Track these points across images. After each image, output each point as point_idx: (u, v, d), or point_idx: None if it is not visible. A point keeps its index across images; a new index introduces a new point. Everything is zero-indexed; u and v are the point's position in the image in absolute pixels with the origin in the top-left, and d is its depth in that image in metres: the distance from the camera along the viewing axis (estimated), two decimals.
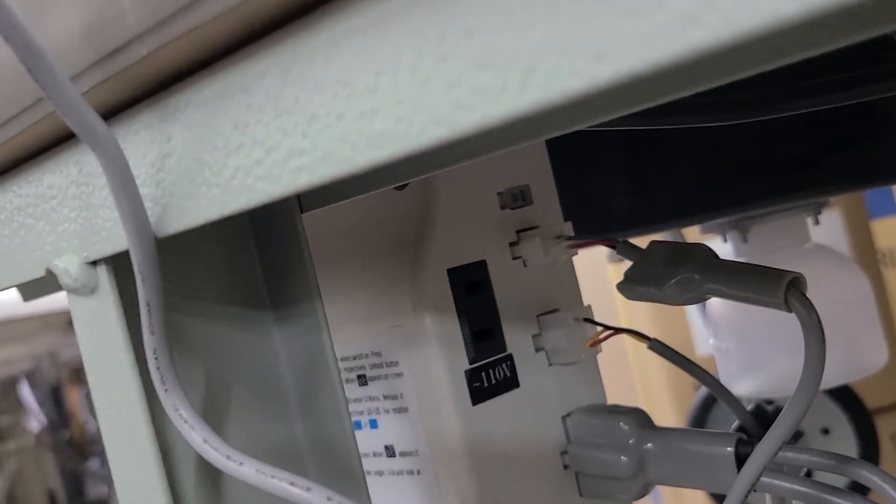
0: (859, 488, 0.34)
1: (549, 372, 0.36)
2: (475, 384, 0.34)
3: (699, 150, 0.44)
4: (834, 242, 0.83)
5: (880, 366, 0.53)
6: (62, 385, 1.82)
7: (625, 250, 0.33)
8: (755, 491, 0.32)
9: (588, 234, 0.36)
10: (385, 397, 0.35)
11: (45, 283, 0.32)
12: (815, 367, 0.27)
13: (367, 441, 0.35)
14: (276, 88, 0.21)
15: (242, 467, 0.27)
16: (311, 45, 0.20)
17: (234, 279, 0.34)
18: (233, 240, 0.35)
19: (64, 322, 1.53)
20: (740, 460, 0.32)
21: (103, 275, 0.29)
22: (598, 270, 0.85)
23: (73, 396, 1.83)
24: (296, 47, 0.20)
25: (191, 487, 0.31)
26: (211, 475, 0.32)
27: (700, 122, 0.32)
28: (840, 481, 0.40)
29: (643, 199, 0.46)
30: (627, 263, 0.33)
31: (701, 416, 0.73)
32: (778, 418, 0.29)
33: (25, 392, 1.75)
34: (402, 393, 0.34)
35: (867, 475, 0.30)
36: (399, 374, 0.34)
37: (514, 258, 0.36)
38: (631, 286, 0.31)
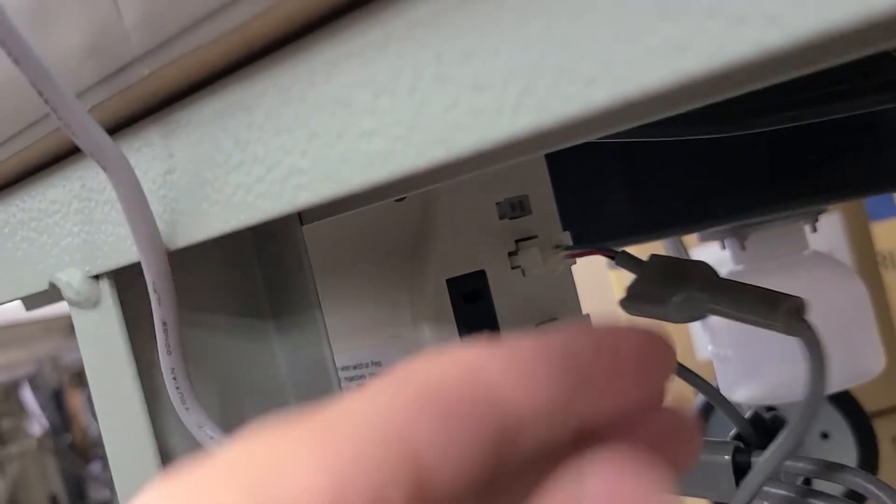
0: (856, 496, 0.34)
1: None
2: None
3: (697, 158, 0.44)
4: (834, 245, 0.83)
5: (878, 371, 0.54)
6: (64, 389, 1.82)
7: (624, 261, 0.33)
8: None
9: (587, 242, 0.36)
10: None
11: (47, 294, 0.32)
12: (817, 387, 0.27)
13: None
14: (276, 107, 0.21)
15: None
16: (310, 66, 0.20)
17: (235, 290, 0.35)
18: (234, 252, 0.35)
19: (65, 326, 1.53)
20: (737, 468, 0.33)
21: (106, 288, 0.29)
22: (598, 278, 0.85)
23: (74, 400, 1.84)
24: (296, 67, 0.21)
25: None
26: None
27: (696, 135, 0.32)
28: (837, 489, 0.40)
29: (641, 207, 0.47)
30: (627, 271, 0.33)
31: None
32: (780, 434, 0.29)
33: (27, 396, 1.75)
34: None
35: (862, 483, 0.31)
36: None
37: (513, 268, 0.36)
38: (634, 304, 0.32)
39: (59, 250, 0.30)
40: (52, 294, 0.31)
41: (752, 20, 0.13)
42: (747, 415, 0.46)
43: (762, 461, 0.30)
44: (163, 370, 0.27)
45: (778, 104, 0.32)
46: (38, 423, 1.77)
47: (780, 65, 0.18)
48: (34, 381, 1.78)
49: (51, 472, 1.77)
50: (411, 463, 0.14)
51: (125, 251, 0.27)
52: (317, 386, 0.35)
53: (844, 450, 0.67)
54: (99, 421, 0.31)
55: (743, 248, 0.49)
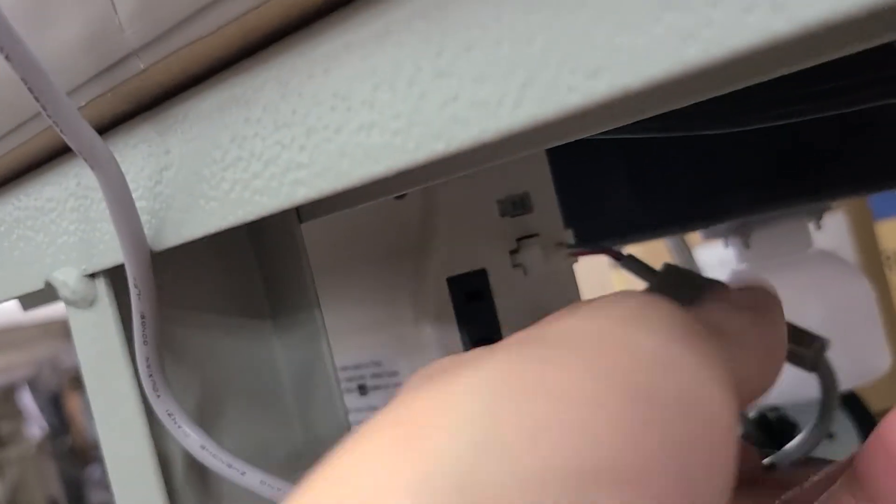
0: None
1: None
2: None
3: (700, 155, 0.44)
4: (838, 244, 0.83)
5: (884, 370, 0.53)
6: (63, 392, 1.82)
7: (632, 266, 0.32)
8: None
9: (589, 240, 0.36)
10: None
11: (44, 294, 0.32)
12: (825, 426, 0.28)
13: None
14: (275, 101, 0.21)
15: (245, 477, 0.27)
16: (309, 59, 0.20)
17: (234, 289, 0.34)
18: (232, 250, 0.35)
19: (64, 329, 1.53)
20: None
21: (102, 287, 0.29)
22: (600, 277, 0.85)
23: (73, 403, 1.83)
24: (294, 60, 0.20)
25: (188, 495, 0.31)
26: (207, 483, 0.32)
27: (699, 131, 0.32)
28: None
29: (644, 205, 0.46)
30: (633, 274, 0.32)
31: None
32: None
33: (26, 399, 1.75)
34: None
35: None
36: (400, 384, 0.34)
37: (515, 266, 0.36)
38: None
39: (55, 249, 0.30)
40: (48, 293, 0.31)
41: (758, 8, 0.13)
42: (752, 415, 0.45)
43: None
44: (137, 359, 0.28)
45: (780, 99, 0.31)
46: (36, 426, 1.77)
47: (785, 55, 0.17)
48: (33, 384, 1.78)
49: (50, 475, 1.77)
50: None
51: (120, 249, 0.27)
52: (316, 386, 0.35)
53: (850, 450, 0.66)
54: (96, 421, 0.31)
55: (747, 246, 0.49)
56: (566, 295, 0.38)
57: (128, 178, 0.26)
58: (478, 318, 0.35)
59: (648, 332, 0.16)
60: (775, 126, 0.33)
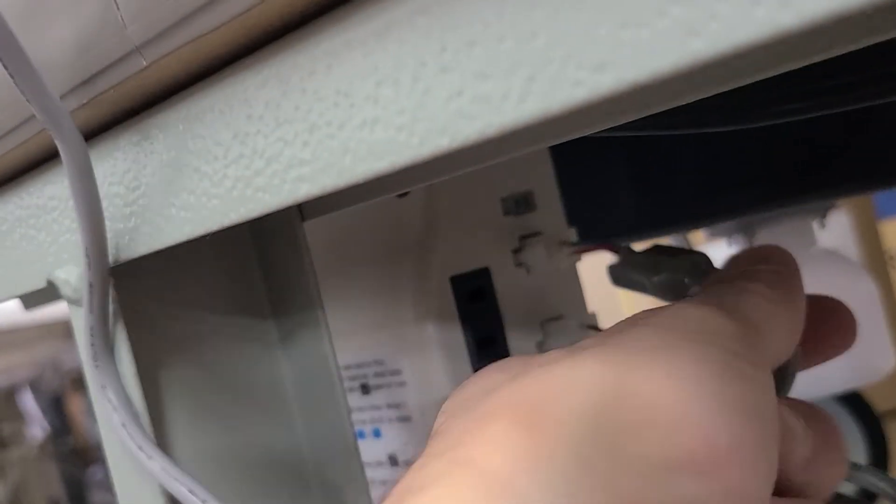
0: (868, 495, 0.34)
1: None
2: None
3: (704, 153, 0.44)
4: (842, 244, 0.83)
5: (889, 370, 0.53)
6: (64, 393, 1.82)
7: (626, 254, 0.32)
8: None
9: (593, 239, 0.36)
10: (388, 406, 0.35)
11: (46, 293, 0.32)
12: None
13: (370, 450, 0.35)
14: (277, 98, 0.21)
15: (151, 462, 0.27)
16: (311, 55, 0.20)
17: (235, 289, 0.34)
18: (233, 249, 0.34)
19: (65, 330, 1.53)
20: None
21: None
22: (603, 276, 0.84)
23: (75, 404, 1.83)
24: (296, 57, 0.20)
25: None
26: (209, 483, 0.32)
27: (704, 128, 0.32)
28: (848, 488, 0.39)
29: (648, 203, 0.46)
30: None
31: None
32: None
33: (27, 400, 1.75)
34: (405, 402, 0.34)
35: (874, 482, 0.30)
36: (402, 383, 0.34)
37: (518, 265, 0.36)
38: (621, 270, 0.32)
39: (58, 248, 0.30)
40: (50, 292, 0.31)
41: (766, 1, 0.13)
42: None
43: None
44: (83, 328, 0.28)
45: (786, 97, 0.31)
46: (38, 427, 1.77)
47: (793, 50, 0.17)
48: (34, 385, 1.78)
49: (51, 476, 1.77)
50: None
51: (122, 248, 0.27)
52: (319, 385, 0.35)
53: (855, 449, 0.66)
54: (98, 420, 0.31)
55: (751, 244, 0.49)
56: (569, 293, 0.38)
57: (130, 175, 0.26)
58: (481, 317, 0.34)
59: (711, 343, 0.18)
60: (779, 124, 0.33)
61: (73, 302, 0.29)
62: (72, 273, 0.29)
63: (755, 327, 0.20)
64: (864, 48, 0.17)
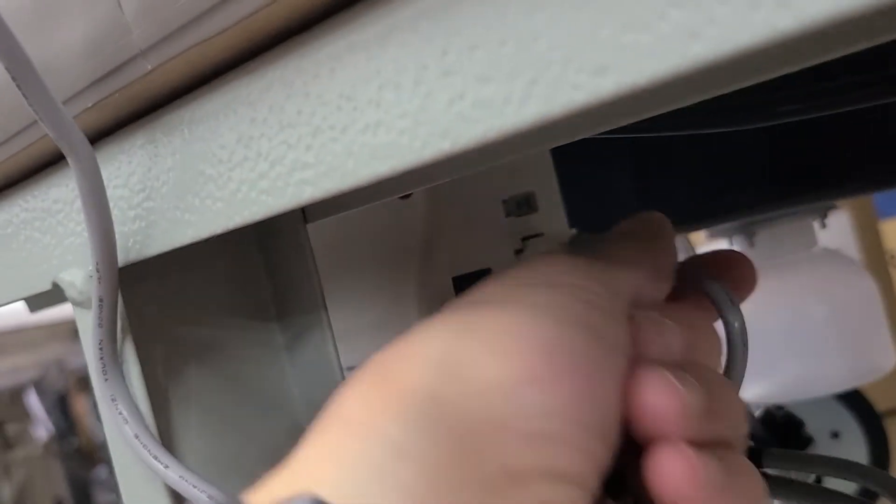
0: (869, 494, 0.34)
1: None
2: None
3: (705, 155, 0.44)
4: (842, 244, 0.83)
5: (889, 369, 0.53)
6: (69, 393, 1.83)
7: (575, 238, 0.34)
8: None
9: None
10: None
11: (51, 295, 0.32)
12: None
13: None
14: (280, 102, 0.21)
15: (167, 470, 0.27)
16: (315, 59, 0.20)
17: (240, 290, 0.34)
18: (238, 251, 0.35)
19: (71, 330, 1.53)
20: None
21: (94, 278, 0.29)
22: None
23: (80, 404, 1.84)
24: (300, 61, 0.21)
25: None
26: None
27: (704, 130, 0.32)
28: (849, 487, 0.40)
29: (649, 203, 0.46)
30: None
31: None
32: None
33: (33, 400, 1.75)
34: None
35: (875, 481, 0.30)
36: None
37: None
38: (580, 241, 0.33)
39: (62, 250, 0.30)
40: (55, 294, 0.31)
41: (765, 5, 0.13)
42: (758, 413, 0.45)
43: None
44: (92, 342, 0.28)
45: (786, 98, 0.31)
46: (43, 427, 1.78)
47: (792, 52, 0.17)
48: (39, 386, 1.79)
49: (57, 476, 1.77)
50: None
51: (127, 251, 0.27)
52: (323, 386, 0.35)
53: (855, 449, 0.66)
54: (103, 421, 0.31)
55: (752, 244, 0.49)
56: None
57: (135, 179, 0.26)
58: None
59: (551, 284, 0.22)
60: (780, 125, 0.33)
61: (78, 304, 0.29)
62: (77, 275, 0.29)
63: (602, 264, 0.23)
64: (862, 50, 0.17)
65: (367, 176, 0.19)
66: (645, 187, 0.46)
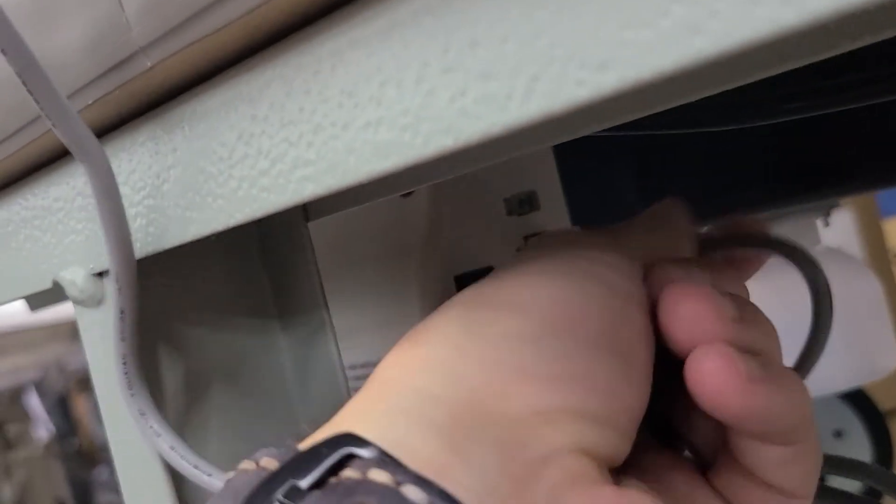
0: (872, 493, 0.34)
1: None
2: None
3: (708, 152, 0.44)
4: (845, 242, 0.82)
5: (893, 368, 0.53)
6: (70, 394, 1.83)
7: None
8: None
9: None
10: None
11: (51, 294, 0.32)
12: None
13: None
14: (281, 99, 0.21)
15: (211, 478, 0.27)
16: (315, 56, 0.20)
17: (241, 288, 0.34)
18: (239, 249, 0.35)
19: (71, 331, 1.53)
20: None
21: (109, 286, 0.29)
22: None
23: (80, 405, 1.84)
24: (300, 58, 0.20)
25: (196, 496, 0.31)
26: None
27: (706, 128, 0.32)
28: (853, 486, 0.39)
29: (652, 201, 0.46)
30: None
31: None
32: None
33: (33, 401, 1.75)
34: None
35: (879, 480, 0.30)
36: None
37: None
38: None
39: (63, 248, 0.30)
40: (55, 293, 0.31)
41: (767, 0, 0.13)
42: None
43: None
44: (114, 355, 0.28)
45: (789, 96, 0.31)
46: (44, 428, 1.78)
47: (795, 48, 0.17)
48: (40, 387, 1.79)
49: (57, 477, 1.77)
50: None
51: None
52: (324, 385, 0.35)
53: (859, 448, 0.66)
54: (104, 421, 0.31)
55: None
56: None
57: (136, 177, 0.26)
58: None
59: (567, 252, 0.23)
60: (783, 122, 0.33)
61: (79, 303, 0.29)
62: (77, 274, 0.29)
63: (611, 233, 0.25)
64: (865, 46, 0.17)
65: (368, 173, 0.19)
66: (647, 185, 0.45)
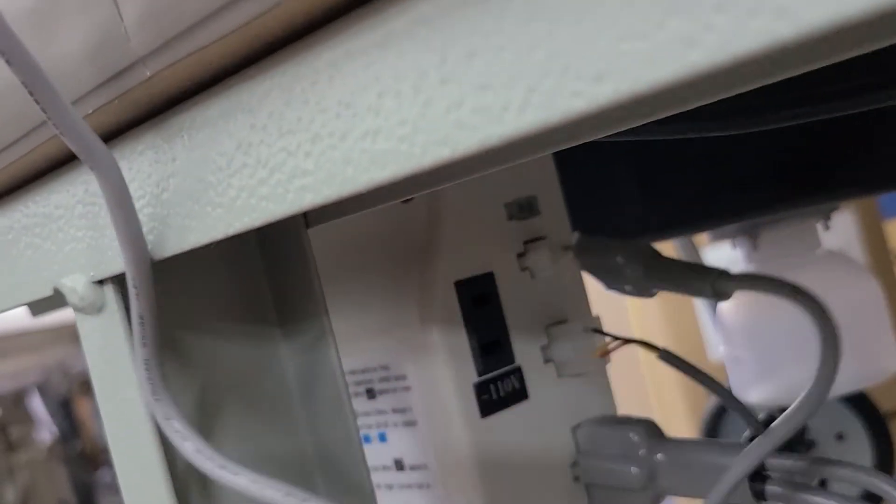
0: (872, 497, 0.34)
1: (558, 383, 0.36)
2: (484, 397, 0.34)
3: (708, 157, 0.44)
4: (847, 244, 0.82)
5: (894, 371, 0.53)
6: (72, 396, 1.83)
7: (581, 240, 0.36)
8: (765, 500, 0.32)
9: None
10: (394, 411, 0.35)
11: (52, 300, 0.32)
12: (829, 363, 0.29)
13: (376, 455, 0.35)
14: (280, 109, 0.21)
15: (238, 477, 0.27)
16: (313, 66, 0.20)
17: (241, 295, 0.34)
18: (239, 256, 0.35)
19: (73, 334, 1.53)
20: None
21: (110, 294, 0.29)
22: None
23: (83, 407, 1.84)
24: (298, 68, 0.20)
25: (197, 499, 0.31)
26: (216, 488, 0.32)
27: (706, 133, 0.32)
28: (853, 490, 0.39)
29: (651, 206, 0.46)
30: None
31: (714, 425, 0.73)
32: (773, 425, 0.30)
33: (36, 403, 1.76)
34: (410, 406, 0.34)
35: (878, 484, 0.30)
36: (407, 388, 0.34)
37: (522, 269, 0.36)
38: (585, 248, 0.35)
39: (64, 256, 0.30)
40: (56, 300, 0.31)
41: (762, 13, 0.13)
42: (761, 416, 0.45)
43: (741, 456, 0.30)
44: (136, 362, 0.27)
45: (789, 101, 0.31)
46: (47, 430, 1.78)
47: (790, 59, 0.17)
48: (43, 389, 1.79)
49: (60, 479, 1.77)
50: None
51: None
52: (324, 390, 0.35)
53: (860, 451, 0.66)
54: (105, 426, 0.31)
55: (755, 247, 0.49)
56: (574, 297, 0.38)
57: (135, 185, 0.26)
58: (485, 322, 0.35)
59: None
60: (783, 127, 0.33)
61: (79, 310, 0.29)
62: (78, 281, 0.29)
63: None
64: (869, 53, 0.17)
65: (366, 182, 0.19)
66: (648, 190, 0.45)
